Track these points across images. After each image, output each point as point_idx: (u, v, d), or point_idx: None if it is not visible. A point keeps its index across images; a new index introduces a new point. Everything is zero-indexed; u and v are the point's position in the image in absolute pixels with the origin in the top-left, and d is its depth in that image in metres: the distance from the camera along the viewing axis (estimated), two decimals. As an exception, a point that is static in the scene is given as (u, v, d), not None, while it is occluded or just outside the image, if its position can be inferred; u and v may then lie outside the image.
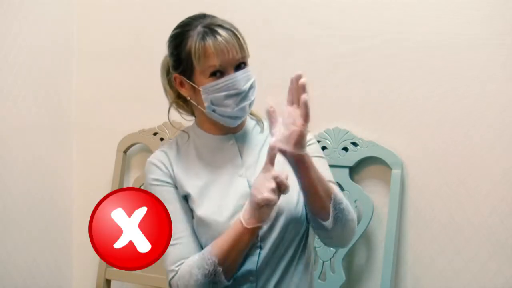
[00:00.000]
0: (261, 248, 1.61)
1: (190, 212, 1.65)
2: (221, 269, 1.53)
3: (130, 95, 2.57)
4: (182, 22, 1.68)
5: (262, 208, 1.48)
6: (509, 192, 2.01)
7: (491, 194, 2.03)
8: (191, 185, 1.64)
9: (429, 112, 2.10)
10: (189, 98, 1.67)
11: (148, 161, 1.70)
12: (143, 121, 2.51)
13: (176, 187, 1.66)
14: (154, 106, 2.52)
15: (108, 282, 2.50)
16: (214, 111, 1.63)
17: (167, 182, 1.66)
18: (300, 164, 1.51)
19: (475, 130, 2.05)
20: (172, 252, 1.61)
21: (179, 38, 1.65)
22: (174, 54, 1.66)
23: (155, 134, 2.49)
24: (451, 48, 2.07)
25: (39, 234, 2.47)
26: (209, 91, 1.61)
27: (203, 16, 1.66)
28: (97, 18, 2.63)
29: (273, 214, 1.57)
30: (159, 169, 1.67)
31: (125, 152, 2.55)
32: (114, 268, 2.51)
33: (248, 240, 1.53)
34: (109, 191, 2.54)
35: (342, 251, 2.15)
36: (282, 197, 1.53)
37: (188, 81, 1.64)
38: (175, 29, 1.68)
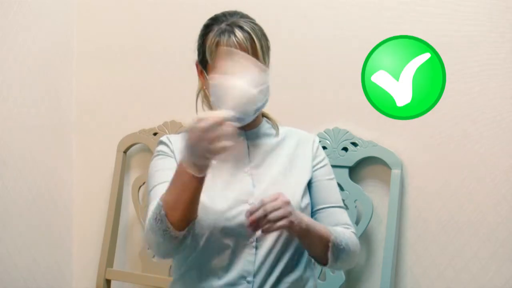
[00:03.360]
0: (257, 248, 1.61)
1: None
2: (165, 213, 1.50)
3: (130, 95, 2.57)
4: (215, 15, 1.71)
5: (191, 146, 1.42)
6: (509, 191, 2.01)
7: (491, 194, 2.03)
8: None
9: (429, 111, 2.10)
10: (204, 87, 1.71)
11: (159, 139, 1.76)
12: (143, 121, 2.51)
13: (175, 157, 1.69)
14: (154, 106, 2.53)
15: (108, 282, 2.50)
16: (218, 106, 1.65)
17: (167, 153, 1.70)
18: (293, 233, 1.55)
19: (475, 130, 2.05)
20: (148, 211, 1.62)
21: (205, 29, 1.69)
22: (199, 43, 1.70)
23: (155, 134, 2.48)
24: (451, 46, 2.07)
25: (39, 234, 2.47)
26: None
27: (233, 14, 1.68)
28: (97, 18, 2.63)
29: (207, 162, 1.44)
30: (165, 144, 1.72)
31: (125, 152, 2.54)
32: (114, 268, 2.52)
33: (184, 183, 1.47)
34: (109, 191, 2.55)
35: (342, 251, 2.14)
36: None
37: (204, 72, 1.69)
38: (208, 20, 1.71)
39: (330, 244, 1.60)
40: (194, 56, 1.75)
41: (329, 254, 1.60)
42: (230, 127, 1.41)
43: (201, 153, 1.41)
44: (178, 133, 1.81)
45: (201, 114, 1.44)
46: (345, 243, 1.63)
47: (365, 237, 2.18)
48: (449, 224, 2.08)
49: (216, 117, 1.40)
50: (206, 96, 1.75)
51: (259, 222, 1.47)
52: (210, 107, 1.79)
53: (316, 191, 1.73)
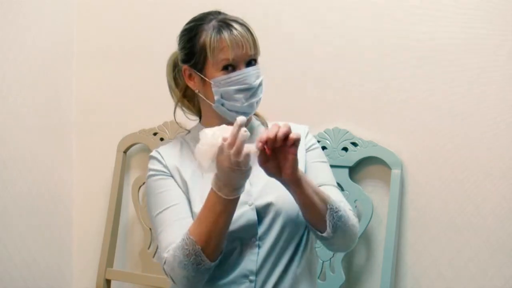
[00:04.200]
0: (259, 247, 1.61)
1: (186, 198, 1.65)
2: (199, 248, 1.50)
3: (130, 95, 2.57)
4: (196, 16, 1.70)
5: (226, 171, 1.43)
6: (509, 191, 2.01)
7: (491, 194, 2.03)
8: (189, 179, 1.65)
9: (429, 112, 2.10)
10: (197, 91, 1.69)
11: (149, 155, 1.74)
12: (143, 121, 2.51)
13: (173, 176, 1.67)
14: (154, 106, 2.53)
15: (108, 282, 2.50)
16: (223, 105, 1.65)
17: (164, 172, 1.67)
18: (292, 185, 1.52)
19: (475, 130, 2.05)
20: (162, 239, 1.61)
21: (193, 31, 1.67)
22: (187, 47, 1.68)
23: (155, 134, 2.48)
24: (451, 47, 2.07)
25: (39, 234, 2.47)
26: (220, 84, 1.63)
27: (217, 13, 1.69)
28: (97, 18, 2.63)
29: (242, 181, 1.47)
30: (157, 161, 1.70)
31: (125, 152, 2.55)
32: (114, 268, 2.52)
33: (219, 211, 1.49)
34: (109, 191, 2.55)
35: (342, 251, 2.15)
36: (280, 197, 1.54)
37: (199, 74, 1.66)
38: (189, 23, 1.71)
39: (328, 206, 1.54)
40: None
41: (327, 217, 1.53)
42: (246, 132, 1.42)
43: (237, 171, 1.42)
44: (165, 143, 1.78)
45: (214, 132, 1.45)
46: (343, 211, 1.56)
47: (365, 237, 2.18)
48: (449, 224, 2.08)
49: (236, 130, 1.41)
50: (186, 104, 1.76)
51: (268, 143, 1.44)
52: (197, 112, 1.77)
53: (307, 174, 1.69)
